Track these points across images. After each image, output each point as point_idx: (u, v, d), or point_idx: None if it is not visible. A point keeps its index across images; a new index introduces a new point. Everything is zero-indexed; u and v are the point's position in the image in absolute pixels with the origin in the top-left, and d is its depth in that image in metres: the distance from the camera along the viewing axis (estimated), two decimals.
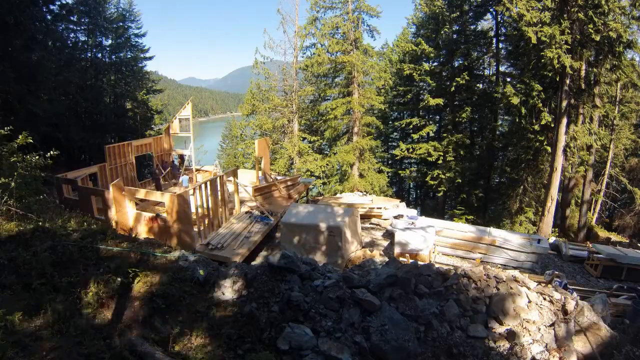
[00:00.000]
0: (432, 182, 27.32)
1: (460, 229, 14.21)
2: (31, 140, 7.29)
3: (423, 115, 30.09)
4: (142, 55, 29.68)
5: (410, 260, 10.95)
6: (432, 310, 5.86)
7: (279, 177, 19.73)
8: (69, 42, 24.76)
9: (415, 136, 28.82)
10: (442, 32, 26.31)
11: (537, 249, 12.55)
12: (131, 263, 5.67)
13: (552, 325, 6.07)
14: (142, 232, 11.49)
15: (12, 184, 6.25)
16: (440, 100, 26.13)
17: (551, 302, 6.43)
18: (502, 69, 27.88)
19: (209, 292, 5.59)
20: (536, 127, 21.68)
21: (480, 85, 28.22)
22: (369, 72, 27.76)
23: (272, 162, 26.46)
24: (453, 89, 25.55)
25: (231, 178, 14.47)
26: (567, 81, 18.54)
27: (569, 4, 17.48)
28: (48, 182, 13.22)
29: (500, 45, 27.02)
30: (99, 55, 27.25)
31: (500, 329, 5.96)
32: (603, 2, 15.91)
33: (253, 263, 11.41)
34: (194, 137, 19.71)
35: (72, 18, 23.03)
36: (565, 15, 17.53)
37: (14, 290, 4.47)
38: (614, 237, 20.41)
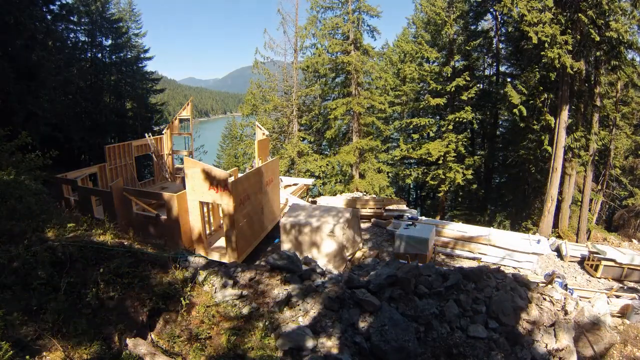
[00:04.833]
0: (432, 182, 27.31)
1: (461, 229, 14.21)
2: (31, 140, 7.28)
3: (423, 115, 30.07)
4: (142, 56, 29.74)
5: (411, 261, 10.95)
6: (432, 310, 5.85)
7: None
8: (68, 42, 24.78)
9: (415, 136, 28.82)
10: (442, 32, 26.32)
11: (537, 249, 12.55)
12: (131, 263, 5.66)
13: (553, 325, 6.07)
14: (142, 232, 11.46)
15: (12, 184, 6.25)
16: (440, 100, 26.14)
17: (551, 302, 6.43)
18: (502, 69, 27.92)
19: (209, 292, 5.59)
20: (536, 127, 21.68)
21: (481, 85, 28.22)
22: (369, 72, 27.72)
23: None
24: (453, 89, 25.57)
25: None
26: (568, 81, 18.53)
27: (570, 4, 17.47)
28: (48, 182, 13.22)
29: (501, 45, 27.05)
30: (99, 55, 27.30)
31: (500, 330, 5.95)
32: (604, 3, 15.90)
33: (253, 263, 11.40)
34: (194, 137, 19.72)
35: (72, 18, 23.03)
36: (566, 16, 17.51)
37: (14, 290, 4.46)
38: (614, 237, 20.37)
